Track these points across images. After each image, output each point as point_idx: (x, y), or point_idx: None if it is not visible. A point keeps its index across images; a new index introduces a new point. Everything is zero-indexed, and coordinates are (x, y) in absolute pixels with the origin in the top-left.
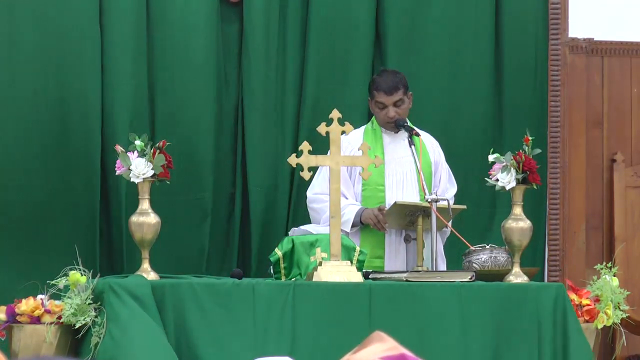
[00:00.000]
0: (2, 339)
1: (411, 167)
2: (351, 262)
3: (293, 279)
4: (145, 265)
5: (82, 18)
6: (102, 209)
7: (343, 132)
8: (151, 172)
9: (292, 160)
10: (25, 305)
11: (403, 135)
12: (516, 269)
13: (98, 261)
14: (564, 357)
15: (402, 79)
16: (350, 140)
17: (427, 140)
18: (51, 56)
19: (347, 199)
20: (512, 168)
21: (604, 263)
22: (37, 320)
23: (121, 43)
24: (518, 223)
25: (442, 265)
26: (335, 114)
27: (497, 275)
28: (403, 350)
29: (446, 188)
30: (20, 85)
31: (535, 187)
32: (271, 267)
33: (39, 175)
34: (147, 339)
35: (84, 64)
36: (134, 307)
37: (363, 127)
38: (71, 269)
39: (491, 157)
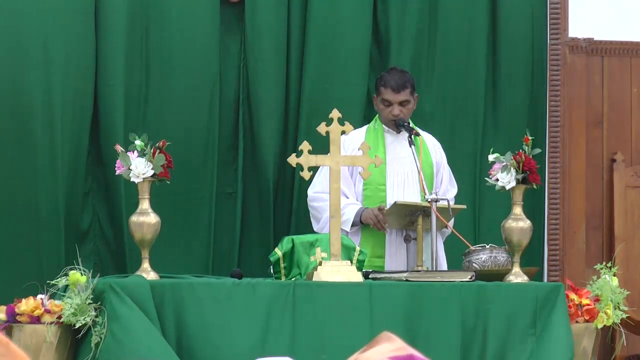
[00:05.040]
0: None
1: (413, 167)
2: (351, 262)
3: (293, 279)
4: (145, 265)
5: (77, 17)
6: (105, 208)
7: (343, 132)
8: (151, 172)
9: (292, 160)
10: (25, 305)
11: (405, 135)
12: (516, 269)
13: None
14: (545, 350)
15: (410, 78)
16: (352, 140)
17: (429, 140)
18: (42, 55)
19: (347, 198)
20: (512, 168)
21: (604, 263)
22: (37, 320)
23: (118, 43)
24: (518, 223)
25: (443, 266)
26: (335, 113)
27: (497, 275)
28: (411, 350)
29: (447, 189)
30: (17, 85)
31: (535, 187)
32: (271, 267)
33: (38, 176)
34: (148, 338)
35: (78, 63)
36: (134, 307)
37: (365, 127)
38: (71, 269)
39: (491, 157)
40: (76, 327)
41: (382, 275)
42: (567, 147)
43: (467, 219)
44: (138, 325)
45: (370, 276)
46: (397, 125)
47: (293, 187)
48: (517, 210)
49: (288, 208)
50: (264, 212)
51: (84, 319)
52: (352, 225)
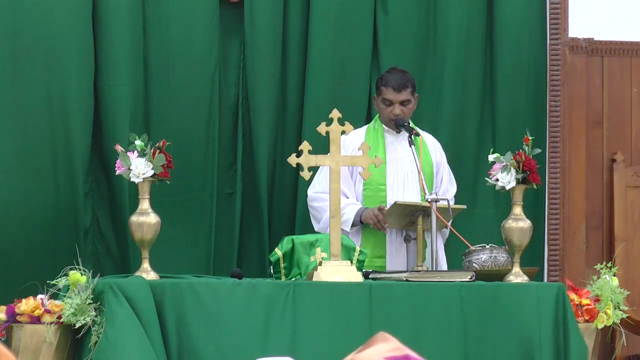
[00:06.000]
0: (2, 339)
1: (412, 167)
2: (351, 262)
3: (293, 279)
4: (145, 265)
5: (77, 17)
6: (105, 209)
7: (343, 132)
8: (151, 172)
9: (292, 160)
10: (25, 305)
11: (405, 135)
12: (516, 268)
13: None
14: (564, 356)
15: (410, 78)
16: (352, 140)
17: (429, 140)
18: (43, 55)
19: (347, 198)
20: (512, 168)
21: (604, 263)
22: (37, 320)
23: (118, 43)
24: (518, 223)
25: (443, 266)
26: (335, 113)
27: (497, 275)
28: (407, 351)
29: (447, 189)
30: (17, 86)
31: (535, 187)
32: (271, 267)
33: (38, 177)
34: (137, 342)
35: (78, 63)
36: (129, 309)
37: (365, 127)
38: (71, 269)
39: (491, 157)
40: (76, 327)
41: (382, 275)
42: (567, 147)
43: (466, 219)
44: (131, 328)
45: (370, 276)
46: (397, 125)
47: (294, 187)
48: (517, 210)
49: (288, 208)
50: (264, 212)
51: (83, 319)
52: (352, 225)
